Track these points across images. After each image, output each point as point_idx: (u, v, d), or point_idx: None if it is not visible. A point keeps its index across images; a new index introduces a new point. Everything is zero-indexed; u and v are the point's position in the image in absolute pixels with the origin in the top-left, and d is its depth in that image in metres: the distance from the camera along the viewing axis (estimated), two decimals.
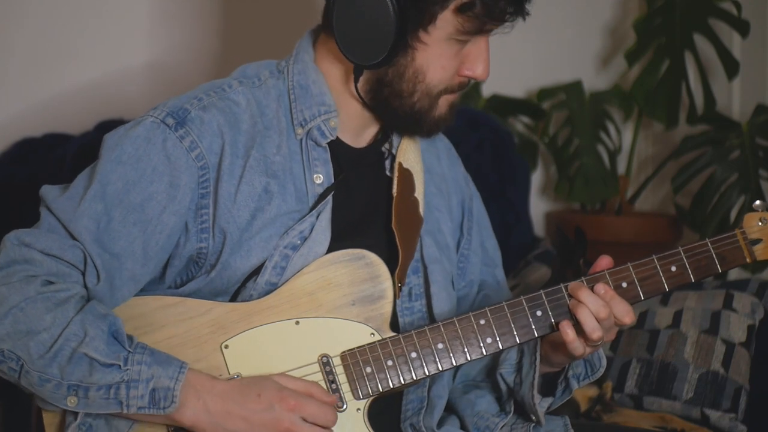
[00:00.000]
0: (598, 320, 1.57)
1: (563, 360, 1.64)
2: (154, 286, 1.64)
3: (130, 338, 1.51)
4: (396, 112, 1.64)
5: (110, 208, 1.55)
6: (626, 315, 1.59)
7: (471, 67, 1.63)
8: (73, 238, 1.53)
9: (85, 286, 1.54)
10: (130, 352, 1.49)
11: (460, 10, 1.57)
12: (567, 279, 1.61)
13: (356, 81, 1.63)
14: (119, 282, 1.55)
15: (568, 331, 1.56)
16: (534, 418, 1.66)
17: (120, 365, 1.47)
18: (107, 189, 1.55)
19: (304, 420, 1.51)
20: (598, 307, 1.57)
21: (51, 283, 1.51)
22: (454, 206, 1.82)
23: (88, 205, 1.54)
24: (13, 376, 1.49)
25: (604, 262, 1.63)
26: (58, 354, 1.47)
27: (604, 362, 1.69)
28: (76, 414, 1.50)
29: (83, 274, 1.53)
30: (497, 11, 1.58)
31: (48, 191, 1.58)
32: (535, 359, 1.64)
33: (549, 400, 1.67)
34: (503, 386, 1.71)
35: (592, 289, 1.59)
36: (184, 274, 1.64)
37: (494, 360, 1.74)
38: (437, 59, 1.60)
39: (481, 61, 1.63)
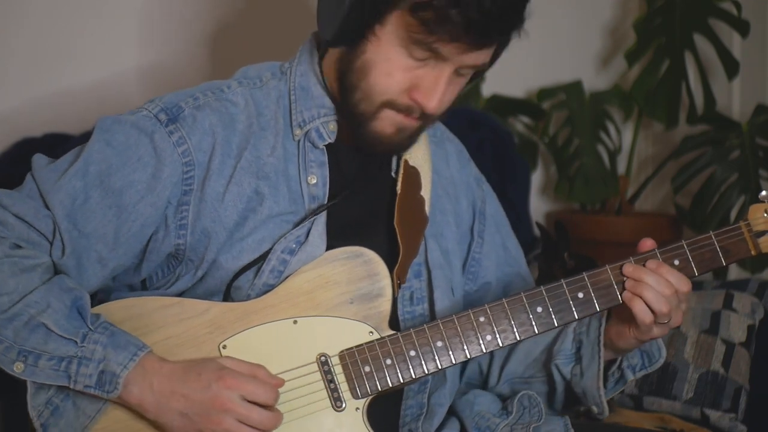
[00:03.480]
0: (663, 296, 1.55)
1: (631, 345, 1.62)
2: (130, 276, 1.64)
3: (97, 316, 1.51)
4: (348, 109, 1.59)
5: (89, 187, 1.56)
6: (683, 283, 1.57)
7: (422, 94, 1.54)
8: (47, 208, 1.55)
9: (51, 259, 1.55)
10: (90, 329, 1.50)
11: (412, 9, 1.49)
12: (554, 274, 1.60)
13: (320, 52, 1.63)
14: (86, 262, 1.56)
15: (639, 307, 1.54)
16: (596, 409, 1.64)
17: (77, 341, 1.48)
18: (90, 168, 1.57)
19: (244, 399, 1.49)
20: (661, 285, 1.55)
21: (19, 247, 1.53)
22: (463, 210, 1.80)
23: (68, 180, 1.56)
24: None
25: (648, 243, 1.60)
26: (15, 318, 1.48)
27: (664, 352, 1.67)
28: (47, 390, 1.51)
29: (51, 245, 1.55)
30: (448, 26, 1.47)
31: (37, 159, 1.61)
32: (599, 350, 1.62)
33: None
34: (558, 378, 1.69)
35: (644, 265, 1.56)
36: (165, 269, 1.64)
37: (547, 353, 1.72)
38: (384, 62, 1.54)
39: (434, 92, 1.53)
